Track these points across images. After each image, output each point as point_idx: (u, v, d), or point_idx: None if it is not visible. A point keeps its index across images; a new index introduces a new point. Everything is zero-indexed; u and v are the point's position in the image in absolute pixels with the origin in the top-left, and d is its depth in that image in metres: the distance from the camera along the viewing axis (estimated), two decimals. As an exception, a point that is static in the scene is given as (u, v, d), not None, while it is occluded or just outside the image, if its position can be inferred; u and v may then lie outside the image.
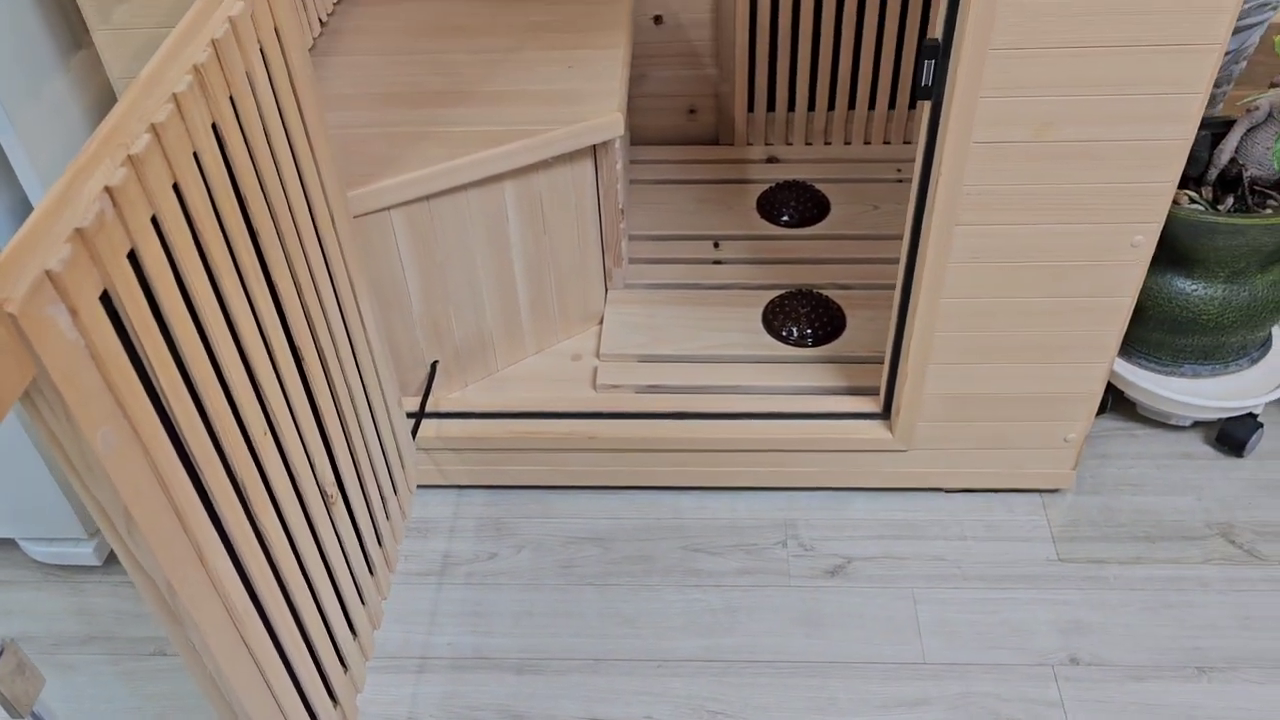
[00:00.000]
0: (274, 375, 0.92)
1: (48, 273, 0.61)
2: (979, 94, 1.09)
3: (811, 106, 1.91)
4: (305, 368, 1.00)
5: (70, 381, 0.62)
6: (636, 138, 1.98)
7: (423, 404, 1.47)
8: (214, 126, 0.81)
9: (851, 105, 1.90)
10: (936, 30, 1.09)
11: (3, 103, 0.90)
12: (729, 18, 1.80)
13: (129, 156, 0.68)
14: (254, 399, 0.87)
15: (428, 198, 1.33)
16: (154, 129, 0.71)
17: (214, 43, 0.79)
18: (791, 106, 1.91)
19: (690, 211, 1.81)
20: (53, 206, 0.63)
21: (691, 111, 1.94)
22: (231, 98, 0.83)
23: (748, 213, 1.80)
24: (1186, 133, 1.11)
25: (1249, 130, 1.38)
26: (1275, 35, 1.29)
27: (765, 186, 1.86)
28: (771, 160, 1.92)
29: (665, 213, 1.81)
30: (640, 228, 1.78)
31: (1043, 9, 1.02)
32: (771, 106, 1.91)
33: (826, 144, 1.95)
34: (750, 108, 1.91)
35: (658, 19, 1.82)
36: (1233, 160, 1.40)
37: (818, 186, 1.84)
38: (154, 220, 0.72)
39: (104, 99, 1.17)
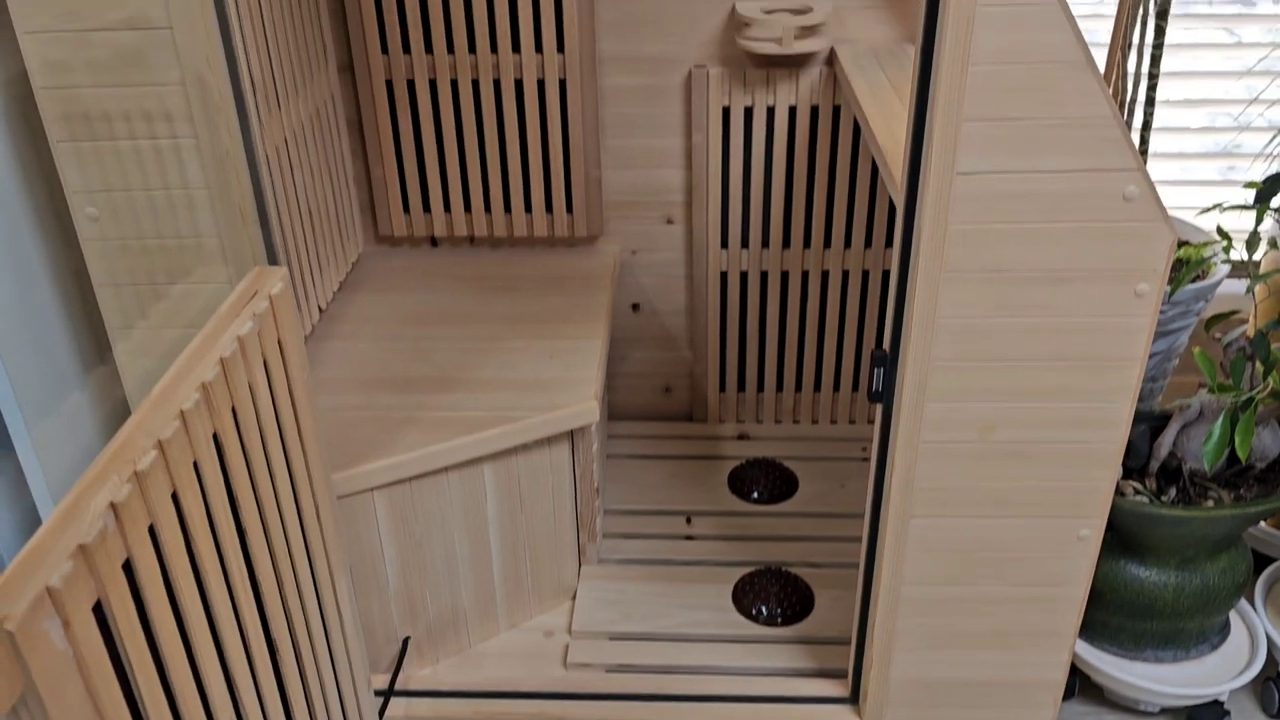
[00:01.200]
0: (248, 668, 0.94)
1: (48, 589, 0.66)
2: (925, 399, 1.18)
3: (780, 387, 2.02)
4: (279, 657, 1.02)
5: (56, 693, 0.66)
6: (614, 413, 2.08)
7: (392, 682, 1.47)
8: (215, 435, 0.88)
9: (817, 387, 2.01)
10: (885, 342, 1.20)
11: (23, 418, 0.98)
12: (702, 306, 1.94)
13: (135, 473, 0.75)
14: (226, 694, 0.89)
15: (410, 479, 1.39)
16: (160, 445, 0.78)
17: (222, 361, 0.87)
18: (761, 387, 2.02)
19: (664, 486, 1.88)
20: (58, 523, 0.68)
21: (667, 390, 2.05)
22: (234, 408, 0.91)
23: (719, 489, 1.87)
24: (1118, 437, 1.19)
25: (1184, 426, 1.48)
26: (1195, 348, 1.41)
27: (736, 463, 1.93)
28: (742, 437, 2.01)
29: (639, 487, 1.87)
30: (615, 502, 1.84)
31: (977, 329, 1.13)
32: (742, 386, 2.02)
33: (795, 422, 2.05)
34: (722, 387, 2.02)
35: (635, 306, 1.96)
36: (1171, 454, 1.48)
37: (787, 464, 1.92)
38: (150, 529, 0.78)
39: (119, 412, 1.25)
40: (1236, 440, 1.28)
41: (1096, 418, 1.18)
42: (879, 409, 1.23)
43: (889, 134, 1.35)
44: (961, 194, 1.06)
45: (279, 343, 1.00)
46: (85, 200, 1.09)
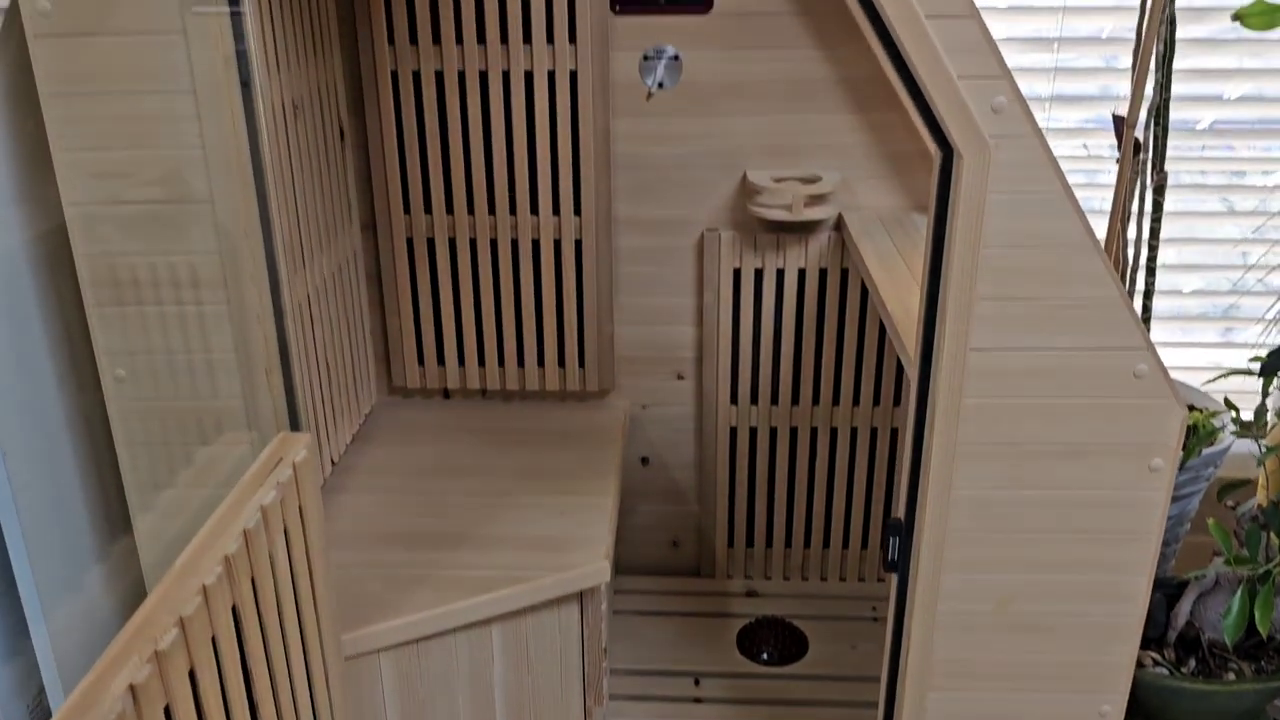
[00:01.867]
0: None
1: (62, 779, 0.64)
2: (941, 570, 1.17)
3: (789, 543, 2.00)
4: (281, 836, 0.99)
5: None
6: (621, 567, 2.06)
7: None
8: (233, 607, 0.87)
9: (827, 544, 2.00)
10: (900, 511, 1.20)
11: (39, 596, 0.98)
12: (711, 460, 1.94)
13: (156, 652, 0.74)
14: None
15: (417, 641, 1.37)
16: (181, 622, 0.77)
17: (245, 532, 0.88)
18: (770, 543, 2.01)
19: (671, 645, 1.84)
20: (76, 708, 0.67)
21: (675, 544, 2.03)
22: (253, 578, 0.90)
23: (728, 648, 1.84)
24: (1137, 611, 1.18)
25: (1201, 595, 1.46)
26: (1210, 518, 1.41)
27: (745, 621, 1.90)
28: (751, 594, 1.99)
29: (647, 645, 1.84)
30: (622, 661, 1.80)
31: (992, 502, 1.13)
32: (751, 542, 2.01)
33: (804, 579, 2.02)
34: (731, 543, 2.01)
35: (645, 460, 1.97)
36: (1189, 623, 1.46)
37: (797, 623, 1.89)
38: (166, 709, 0.76)
39: (136, 589, 1.24)
40: (1256, 615, 1.27)
41: (1114, 591, 1.17)
42: (894, 579, 1.22)
43: (899, 302, 1.38)
44: (975, 369, 1.08)
45: (300, 509, 1.01)
46: (114, 362, 1.11)
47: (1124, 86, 1.88)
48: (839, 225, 1.77)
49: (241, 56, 1.07)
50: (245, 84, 1.07)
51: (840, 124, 1.73)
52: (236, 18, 1.10)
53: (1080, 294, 1.04)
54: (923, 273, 1.07)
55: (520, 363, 1.88)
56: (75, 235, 1.08)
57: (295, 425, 1.12)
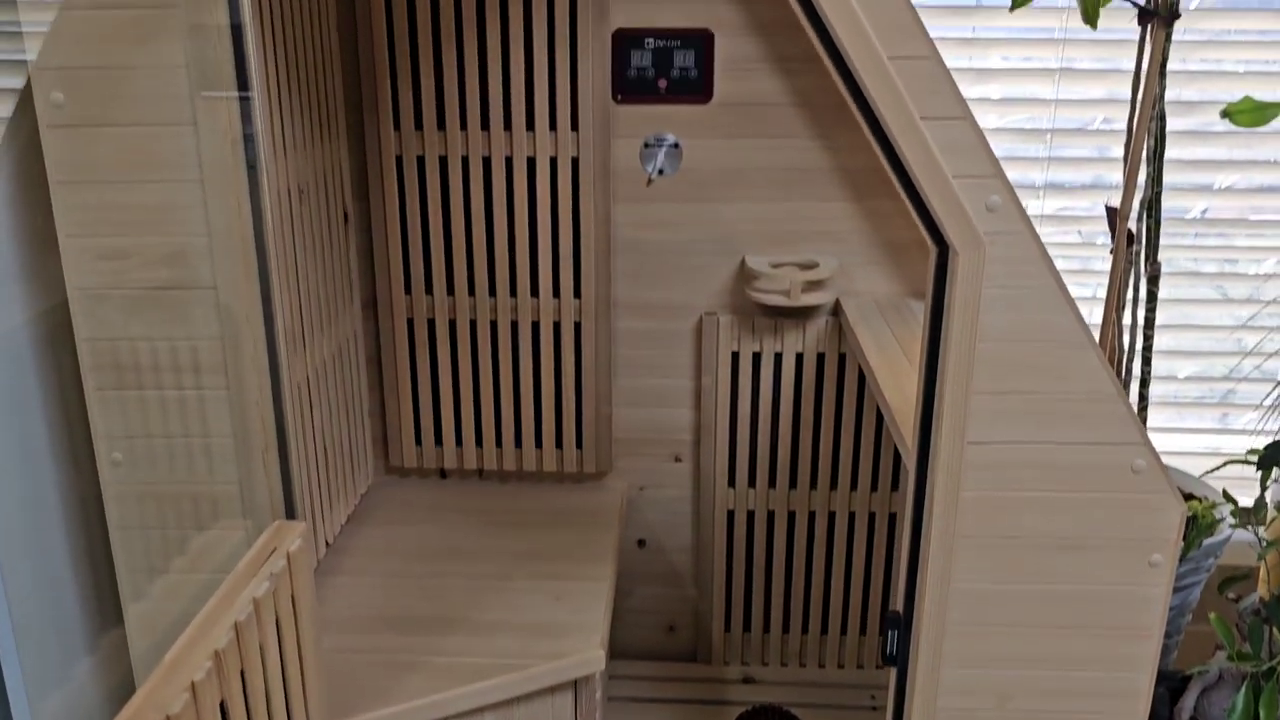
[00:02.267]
0: None
1: None
2: (941, 665, 1.16)
3: (786, 629, 1.98)
4: None
5: None
6: (616, 652, 2.03)
7: None
8: (221, 703, 0.86)
9: (824, 629, 1.97)
10: (898, 603, 1.19)
11: (26, 691, 0.96)
12: (708, 544, 1.93)
13: (140, 752, 0.73)
14: None
15: (408, 730, 1.34)
16: (168, 720, 0.76)
17: (236, 625, 0.87)
18: (767, 628, 1.98)
19: (667, 733, 1.81)
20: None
21: (670, 629, 2.01)
22: (243, 672, 0.89)
23: (725, 737, 1.80)
24: (1140, 709, 1.17)
25: (1204, 690, 1.44)
26: (1211, 613, 1.40)
27: (742, 708, 1.87)
28: (748, 680, 1.96)
29: (642, 734, 1.81)
30: (616, 750, 1.77)
31: (992, 595, 1.13)
32: (748, 627, 1.99)
33: (802, 666, 1.99)
34: (728, 627, 1.99)
35: (641, 542, 1.95)
36: (1192, 718, 1.44)
37: (794, 711, 1.86)
38: (149, 810, 0.75)
39: (126, 683, 1.22)
40: (1261, 713, 1.25)
41: (1116, 688, 1.16)
42: (893, 673, 1.20)
43: (897, 390, 1.39)
44: (972, 462, 1.08)
45: (293, 599, 1.00)
46: (112, 445, 1.11)
47: (1116, 175, 1.92)
48: (836, 310, 1.79)
49: (249, 140, 1.09)
50: (252, 167, 1.09)
51: (838, 211, 1.75)
52: (245, 102, 1.12)
53: (1076, 388, 1.05)
54: (920, 366, 1.08)
55: (518, 443, 1.88)
56: (78, 318, 1.09)
57: (291, 512, 1.12)
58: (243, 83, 1.03)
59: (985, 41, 1.90)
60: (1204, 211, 1.95)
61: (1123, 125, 1.89)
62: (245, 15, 1.03)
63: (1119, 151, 1.93)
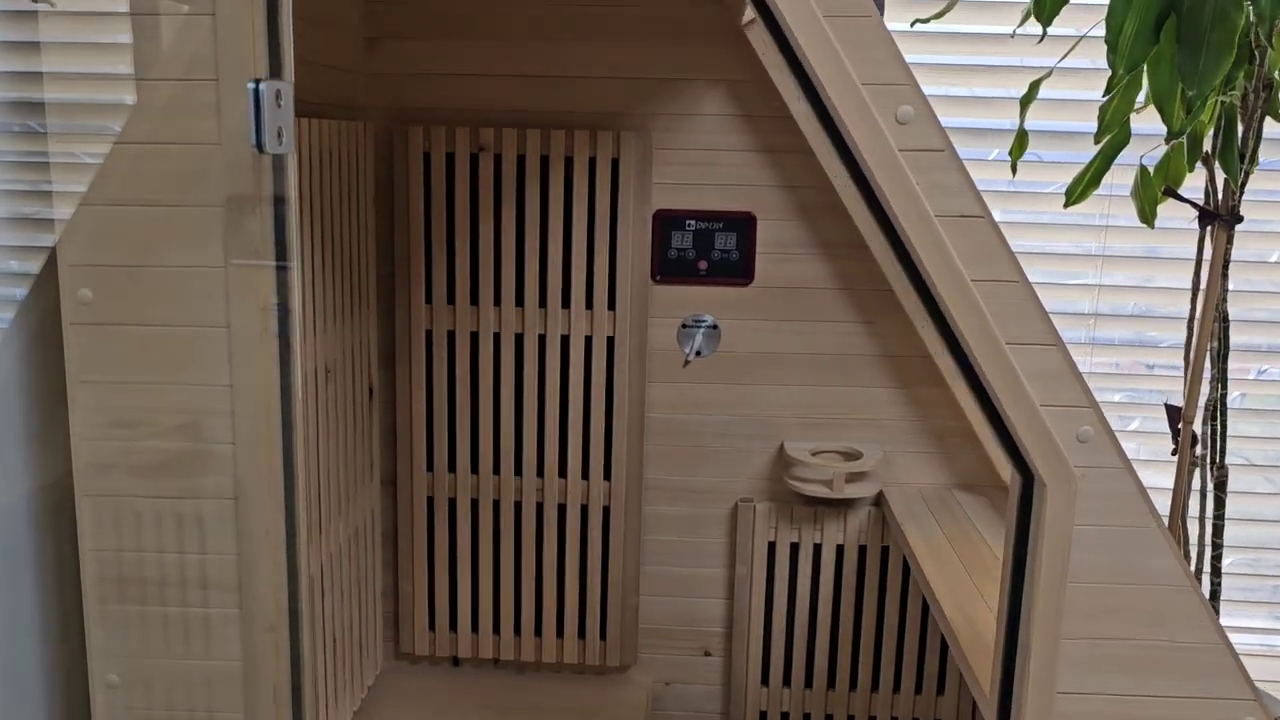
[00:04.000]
0: None
1: None
2: None
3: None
4: None
5: None
6: None
7: None
8: None
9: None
10: None
11: None
12: (740, 688, 1.79)
13: None
14: None
15: None
16: None
17: None
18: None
19: None
20: None
21: (695, 840, 1.84)
22: None
23: None
24: None
25: None
26: None
27: None
28: None
29: None
30: None
31: None
32: (779, 841, 1.82)
33: None
34: (757, 841, 1.82)
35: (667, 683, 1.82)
36: None
37: None
38: None
39: None
40: None
41: None
42: None
43: (959, 610, 1.29)
44: (1062, 714, 0.97)
45: None
46: (108, 666, 1.01)
47: (1157, 358, 1.85)
48: (879, 501, 1.70)
49: (284, 315, 1.02)
50: (285, 345, 1.02)
51: (881, 398, 1.68)
52: (283, 272, 1.06)
53: (1179, 636, 0.95)
54: (1000, 606, 0.98)
55: (537, 631, 1.76)
56: (83, 523, 1.00)
57: (301, 749, 1.01)
58: (281, 252, 0.97)
59: (1025, 226, 1.87)
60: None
61: (1165, 311, 1.85)
62: (290, 189, 0.98)
63: (1157, 335, 1.88)
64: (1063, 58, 1.44)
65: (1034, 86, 1.40)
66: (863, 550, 1.71)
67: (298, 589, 0.96)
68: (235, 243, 0.90)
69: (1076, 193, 1.42)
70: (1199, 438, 1.50)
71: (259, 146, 0.81)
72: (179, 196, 0.91)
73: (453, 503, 1.73)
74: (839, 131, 0.88)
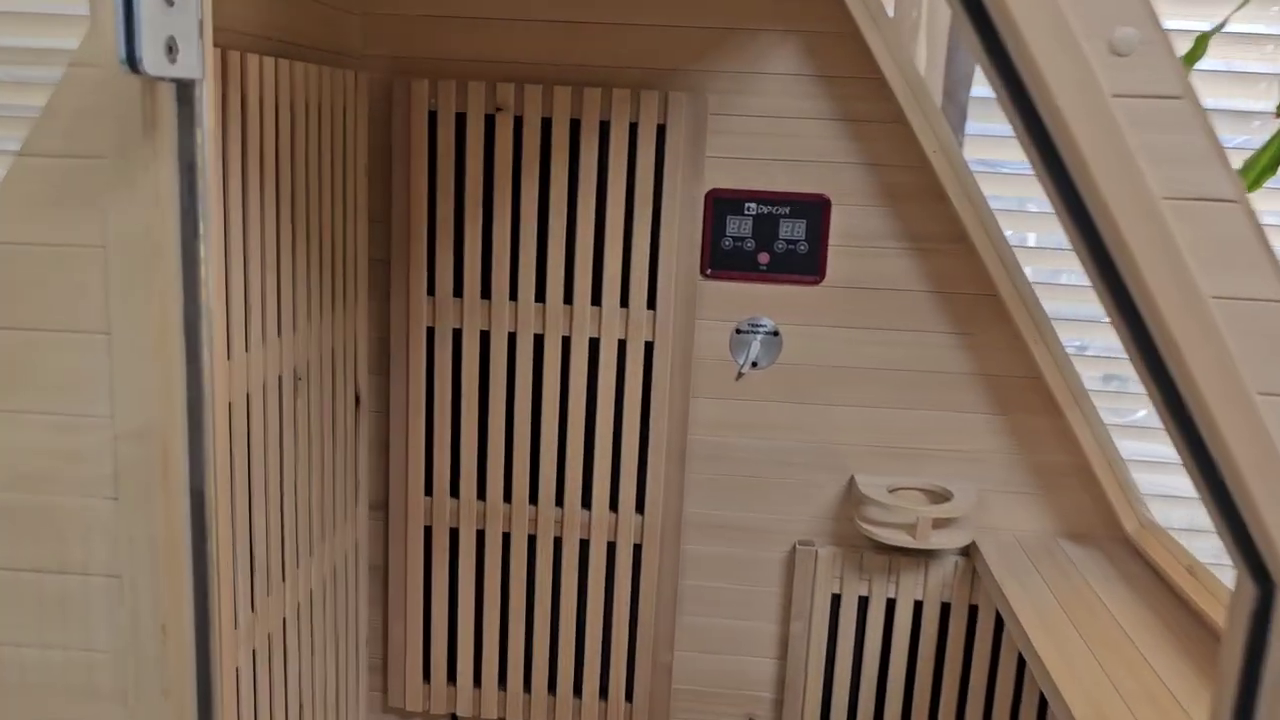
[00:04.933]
0: None
1: None
2: None
3: None
4: None
5: None
6: None
7: None
8: None
9: None
10: None
11: None
12: (784, 830, 1.50)
13: None
14: None
15: None
16: None
17: None
18: None
19: None
20: None
21: None
22: None
23: None
24: None
25: None
26: None
27: None
28: None
29: None
30: None
31: None
32: None
33: None
34: None
35: (699, 823, 1.53)
36: None
37: None
38: None
39: None
40: None
41: None
42: None
43: (1086, 702, 0.99)
44: None
45: None
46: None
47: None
48: (969, 549, 1.40)
49: (189, 335, 0.74)
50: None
51: (976, 425, 1.39)
52: (191, 255, 0.78)
53: None
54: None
55: (551, 689, 1.48)
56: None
57: None
58: (190, 228, 0.68)
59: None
60: None
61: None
62: (205, 137, 0.70)
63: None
64: (1231, 14, 1.14)
65: (1201, 41, 1.09)
66: (945, 608, 1.42)
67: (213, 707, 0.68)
68: (122, 214, 0.61)
69: (1250, 179, 1.12)
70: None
71: (131, 63, 0.53)
72: (40, 144, 0.63)
73: (455, 533, 1.45)
74: (1010, 62, 0.58)
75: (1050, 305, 1.34)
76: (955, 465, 1.40)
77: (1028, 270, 1.32)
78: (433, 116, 1.34)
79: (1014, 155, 1.59)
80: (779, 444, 1.41)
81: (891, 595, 1.42)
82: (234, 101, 0.98)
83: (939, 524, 1.34)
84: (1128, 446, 1.59)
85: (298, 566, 1.21)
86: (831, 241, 1.36)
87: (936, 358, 1.37)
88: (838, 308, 1.37)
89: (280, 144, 1.08)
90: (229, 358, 0.98)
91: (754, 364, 1.39)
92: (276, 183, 1.08)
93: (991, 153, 1.54)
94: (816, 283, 1.37)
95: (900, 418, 1.39)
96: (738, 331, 1.39)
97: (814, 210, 1.35)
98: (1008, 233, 1.28)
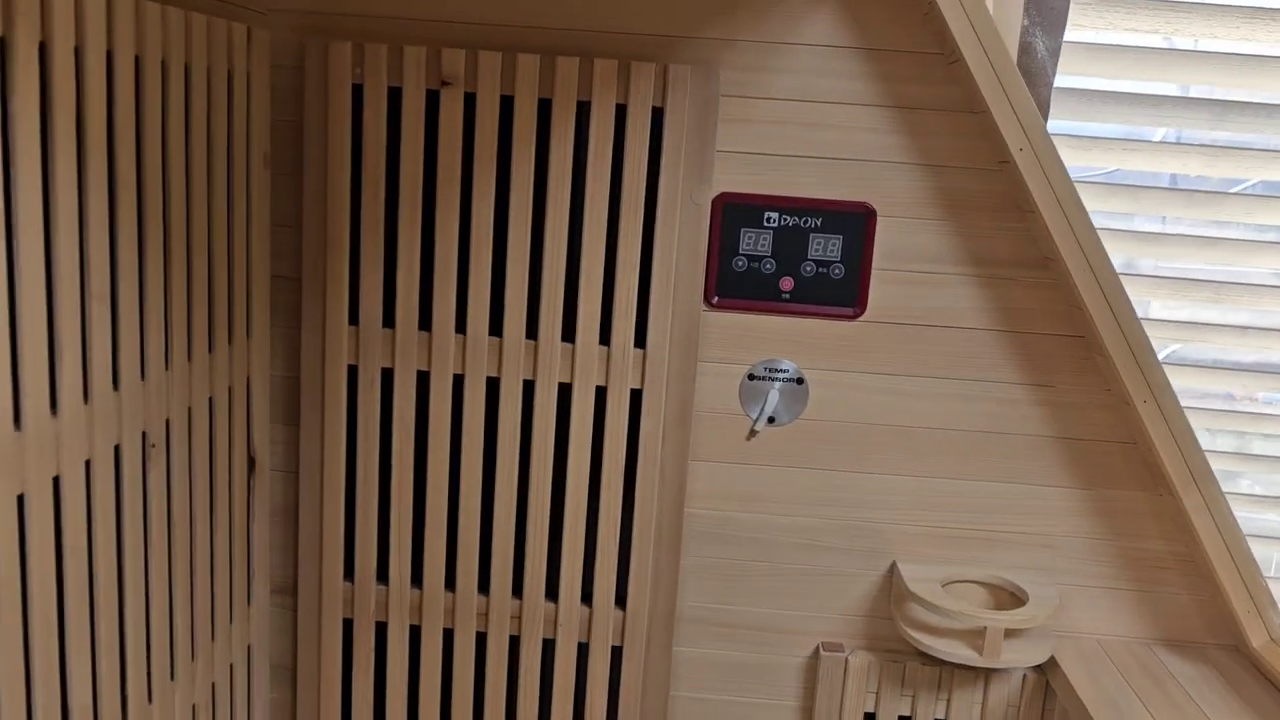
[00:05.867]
0: None
1: None
2: None
3: None
4: None
5: None
6: None
7: None
8: None
9: None
10: None
11: None
12: None
13: None
14: None
15: None
16: None
17: None
18: None
19: None
20: None
21: None
22: None
23: None
24: None
25: None
26: None
27: None
28: None
29: None
30: None
31: None
32: None
33: None
34: None
35: None
36: None
37: None
38: None
39: None
40: None
41: None
42: None
43: None
44: None
45: None
46: None
47: None
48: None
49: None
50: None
51: (1055, 502, 1.08)
52: None
53: None
54: None
55: (504, 824, 1.16)
56: None
57: None
58: None
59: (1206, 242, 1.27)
60: None
61: None
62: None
63: None
64: None
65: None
66: (1010, 734, 1.11)
67: None
68: None
69: None
70: None
71: None
72: None
73: (382, 628, 1.13)
74: None
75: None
76: (1027, 553, 1.09)
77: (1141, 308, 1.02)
78: (358, 91, 1.02)
79: (1107, 160, 1.26)
80: (801, 521, 1.10)
81: (940, 716, 1.11)
82: (61, 57, 0.67)
83: (1011, 635, 1.03)
84: (1253, 520, 1.28)
85: (172, 679, 0.89)
86: (875, 264, 1.05)
87: (1006, 415, 1.07)
88: (881, 349, 1.06)
89: (144, 119, 0.77)
90: (19, 428, 0.66)
91: (771, 420, 1.08)
92: (139, 172, 0.76)
93: (1078, 158, 1.22)
94: (854, 316, 1.06)
95: (957, 491, 1.09)
96: (751, 378, 1.08)
97: (853, 223, 1.04)
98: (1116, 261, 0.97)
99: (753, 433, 1.09)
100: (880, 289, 1.05)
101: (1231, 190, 1.24)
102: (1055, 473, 1.08)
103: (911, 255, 1.04)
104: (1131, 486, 1.07)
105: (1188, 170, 1.21)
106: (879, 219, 1.04)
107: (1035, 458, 1.07)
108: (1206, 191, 1.22)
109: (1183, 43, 1.20)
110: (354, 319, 1.06)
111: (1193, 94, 1.23)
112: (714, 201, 1.04)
